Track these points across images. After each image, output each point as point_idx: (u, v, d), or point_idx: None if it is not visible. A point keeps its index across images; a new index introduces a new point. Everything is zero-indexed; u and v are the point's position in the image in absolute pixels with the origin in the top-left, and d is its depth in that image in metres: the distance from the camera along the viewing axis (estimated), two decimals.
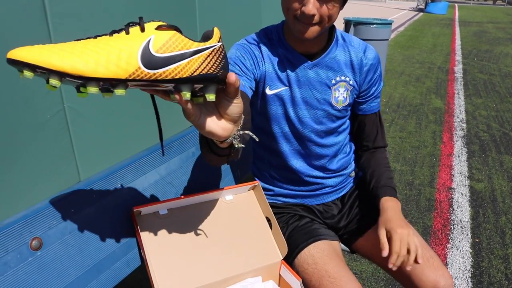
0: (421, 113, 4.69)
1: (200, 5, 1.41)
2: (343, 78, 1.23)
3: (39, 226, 0.94)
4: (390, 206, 1.21)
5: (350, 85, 1.25)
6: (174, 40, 0.63)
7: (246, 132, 0.82)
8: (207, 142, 0.88)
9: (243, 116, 0.80)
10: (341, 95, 1.24)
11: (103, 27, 1.12)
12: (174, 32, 0.64)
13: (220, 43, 0.67)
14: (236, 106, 0.73)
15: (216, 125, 0.74)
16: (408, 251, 1.12)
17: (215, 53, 0.66)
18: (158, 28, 0.63)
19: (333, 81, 1.22)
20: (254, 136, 0.83)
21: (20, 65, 0.58)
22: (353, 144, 1.43)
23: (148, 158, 1.19)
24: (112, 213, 1.08)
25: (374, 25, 5.13)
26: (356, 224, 1.37)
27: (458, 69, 7.21)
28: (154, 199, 1.19)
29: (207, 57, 0.65)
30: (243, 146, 0.82)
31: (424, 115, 4.64)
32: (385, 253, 1.12)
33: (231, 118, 0.74)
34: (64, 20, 0.97)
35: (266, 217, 1.25)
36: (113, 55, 0.60)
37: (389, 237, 1.14)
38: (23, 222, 0.93)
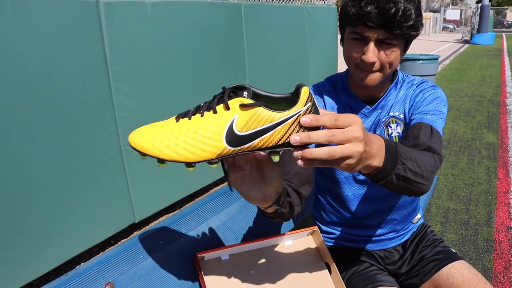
0: (473, 149, 4.56)
1: (249, 66, 1.48)
2: (391, 113, 1.23)
3: (112, 272, 1.00)
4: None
5: (401, 119, 1.23)
6: (256, 117, 0.66)
7: (289, 199, 0.89)
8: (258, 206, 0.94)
9: (284, 184, 0.88)
10: (394, 131, 1.24)
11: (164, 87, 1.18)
12: (255, 110, 0.66)
13: (306, 107, 0.66)
14: (276, 172, 0.81)
15: (257, 192, 0.81)
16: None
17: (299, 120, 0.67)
18: (242, 107, 0.67)
19: (384, 119, 1.24)
20: (297, 206, 0.93)
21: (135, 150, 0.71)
22: None
23: (210, 204, 1.24)
24: (177, 259, 1.13)
25: (420, 61, 5.12)
26: (418, 270, 1.34)
27: (510, 101, 7.00)
28: (215, 244, 1.23)
29: (291, 125, 0.66)
30: (285, 210, 0.90)
31: (477, 150, 4.51)
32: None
33: (272, 185, 0.82)
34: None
35: (325, 262, 1.25)
36: (199, 142, 0.68)
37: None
38: (97, 268, 0.98)
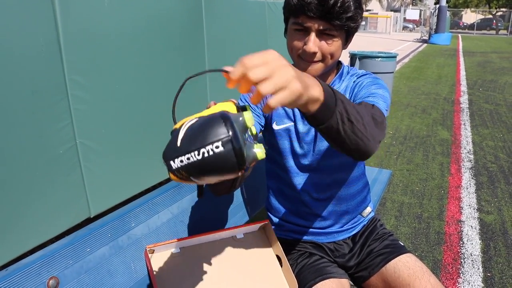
0: (428, 145, 4.71)
1: (209, 58, 1.47)
2: None
3: (56, 266, 0.97)
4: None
5: None
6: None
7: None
8: None
9: None
10: None
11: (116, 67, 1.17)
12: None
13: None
14: None
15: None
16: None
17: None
18: None
19: None
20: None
21: None
22: (368, 182, 1.44)
23: (161, 197, 1.22)
24: (126, 252, 1.11)
25: (379, 59, 5.22)
26: (367, 263, 1.37)
27: (464, 99, 7.26)
28: (166, 238, 1.22)
29: None
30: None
31: (431, 146, 4.65)
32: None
33: None
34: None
35: (276, 255, 1.26)
36: None
37: None
38: (41, 262, 0.95)
